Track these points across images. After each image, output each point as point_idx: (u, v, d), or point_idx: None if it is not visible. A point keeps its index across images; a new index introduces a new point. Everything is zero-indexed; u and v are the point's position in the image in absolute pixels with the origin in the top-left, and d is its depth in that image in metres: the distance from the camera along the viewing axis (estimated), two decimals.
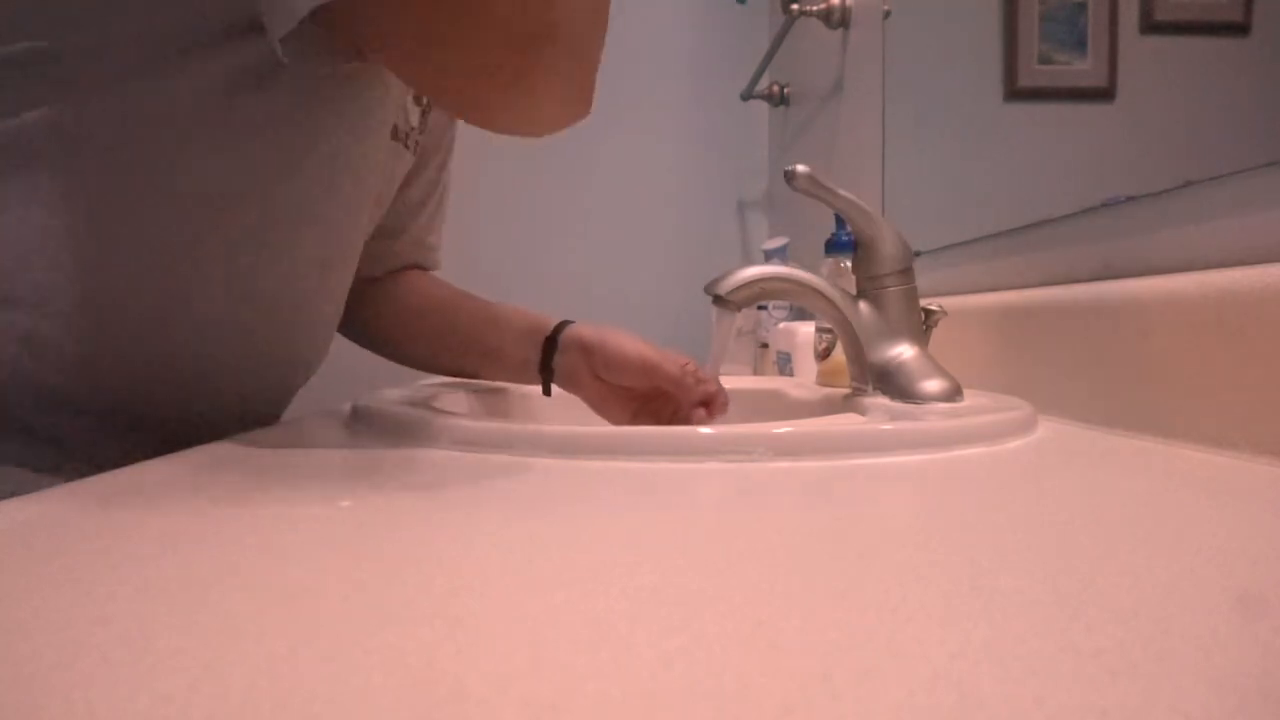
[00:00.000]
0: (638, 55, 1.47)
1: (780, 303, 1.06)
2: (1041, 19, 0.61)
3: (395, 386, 0.64)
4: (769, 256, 1.17)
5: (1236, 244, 0.39)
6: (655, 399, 0.65)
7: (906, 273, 0.52)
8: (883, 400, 0.48)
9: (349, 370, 0.75)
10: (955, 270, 0.71)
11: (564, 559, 0.22)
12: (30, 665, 0.14)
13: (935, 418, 0.42)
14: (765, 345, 1.09)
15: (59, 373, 0.44)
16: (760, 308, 1.11)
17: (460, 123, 0.74)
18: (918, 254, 0.56)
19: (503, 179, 1.42)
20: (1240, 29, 0.44)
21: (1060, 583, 0.19)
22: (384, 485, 0.33)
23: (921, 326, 0.52)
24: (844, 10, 1.08)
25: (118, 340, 0.45)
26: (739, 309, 0.53)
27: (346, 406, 0.55)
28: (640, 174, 1.50)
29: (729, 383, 0.68)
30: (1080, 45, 0.57)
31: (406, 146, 0.61)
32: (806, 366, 0.82)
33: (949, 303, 0.56)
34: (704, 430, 0.39)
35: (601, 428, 0.60)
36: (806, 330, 0.84)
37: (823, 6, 1.10)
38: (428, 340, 0.71)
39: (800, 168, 0.50)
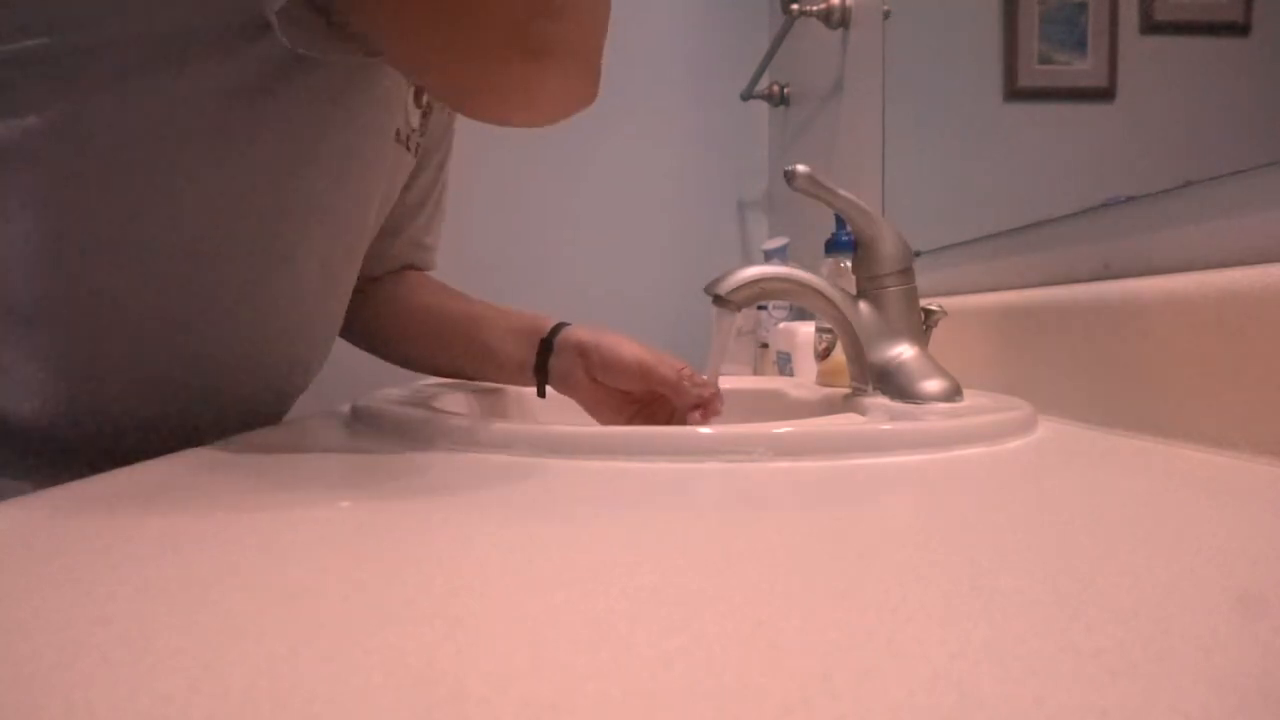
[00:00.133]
0: (638, 55, 1.47)
1: (780, 303, 1.06)
2: (1041, 19, 0.61)
3: (395, 386, 0.64)
4: (769, 256, 1.17)
5: (1236, 244, 0.39)
6: (651, 402, 0.65)
7: (906, 273, 0.52)
8: (883, 400, 0.48)
9: (349, 370, 0.75)
10: (955, 270, 0.71)
11: (564, 559, 0.22)
12: (30, 665, 0.14)
13: (935, 418, 0.42)
14: (765, 345, 1.09)
15: (59, 376, 0.44)
16: (760, 308, 1.11)
17: (459, 122, 0.74)
18: (918, 254, 0.56)
19: (502, 179, 1.42)
20: (1240, 29, 0.44)
21: (1060, 583, 0.19)
22: (384, 485, 0.33)
23: (921, 326, 0.52)
24: (844, 10, 1.08)
25: (119, 344, 0.45)
26: (739, 309, 0.53)
27: (346, 406, 0.55)
28: (640, 174, 1.50)
29: (729, 383, 0.68)
30: (1080, 45, 0.57)
31: (408, 149, 0.61)
32: (806, 366, 0.82)
33: (949, 303, 0.56)
34: (704, 430, 0.39)
35: (601, 428, 0.60)
36: (806, 330, 0.84)
37: (823, 6, 1.10)
38: (423, 341, 0.71)
39: (800, 168, 0.50)
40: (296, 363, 0.56)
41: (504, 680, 0.14)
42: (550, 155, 1.44)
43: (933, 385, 0.48)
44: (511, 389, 0.73)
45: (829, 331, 0.71)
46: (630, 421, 0.65)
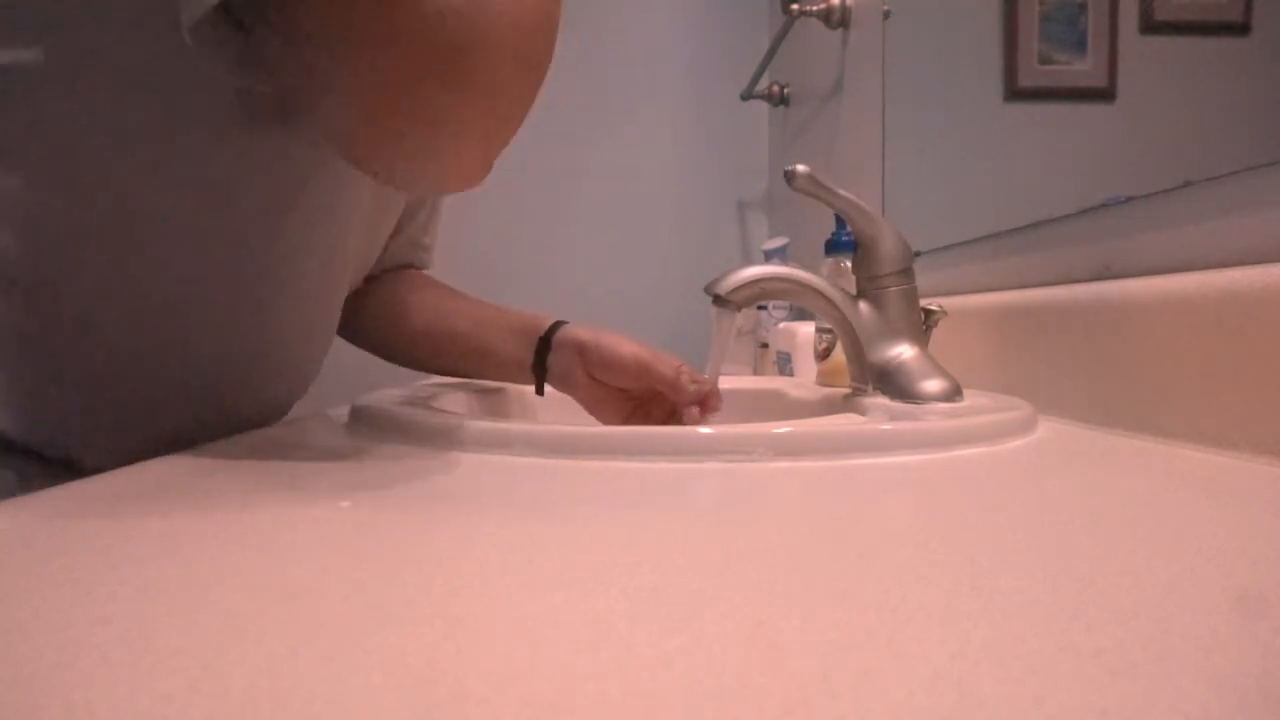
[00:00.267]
0: (638, 55, 1.47)
1: (780, 303, 1.06)
2: (1041, 19, 0.61)
3: (395, 386, 0.64)
4: (769, 256, 1.17)
5: (1236, 244, 0.39)
6: (649, 401, 0.65)
7: (906, 273, 0.52)
8: (883, 400, 0.48)
9: (349, 370, 0.75)
10: (955, 270, 0.71)
11: (564, 559, 0.22)
12: (30, 665, 0.14)
13: (935, 418, 0.42)
14: (765, 345, 1.09)
15: (53, 383, 0.44)
16: (760, 308, 1.11)
17: None
18: (918, 254, 0.56)
19: (501, 179, 1.42)
20: (1240, 29, 0.44)
21: (1060, 583, 0.19)
22: (384, 485, 0.33)
23: (921, 326, 0.52)
24: (844, 10, 1.08)
25: (114, 361, 0.45)
26: (739, 309, 0.53)
27: (346, 407, 0.55)
28: (640, 174, 1.50)
29: (729, 383, 0.68)
30: (1080, 45, 0.57)
31: None
32: (806, 366, 0.82)
33: (949, 303, 0.56)
34: (704, 430, 0.39)
35: (601, 428, 0.60)
36: (806, 330, 0.84)
37: (823, 6, 1.10)
38: (421, 340, 0.71)
39: (800, 168, 0.50)
40: (297, 371, 0.57)
41: (504, 680, 0.14)
42: (550, 155, 1.44)
43: (933, 385, 0.48)
44: (512, 388, 0.73)
45: (829, 331, 0.71)
46: (629, 419, 0.65)
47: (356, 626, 0.16)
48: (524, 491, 0.32)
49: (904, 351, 0.50)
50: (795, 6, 1.10)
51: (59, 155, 0.40)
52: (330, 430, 0.49)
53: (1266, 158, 0.38)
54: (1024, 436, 0.42)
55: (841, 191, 0.51)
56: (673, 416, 0.64)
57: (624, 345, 0.63)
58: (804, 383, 0.79)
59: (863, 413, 0.45)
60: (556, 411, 0.70)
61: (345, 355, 0.70)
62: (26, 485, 0.30)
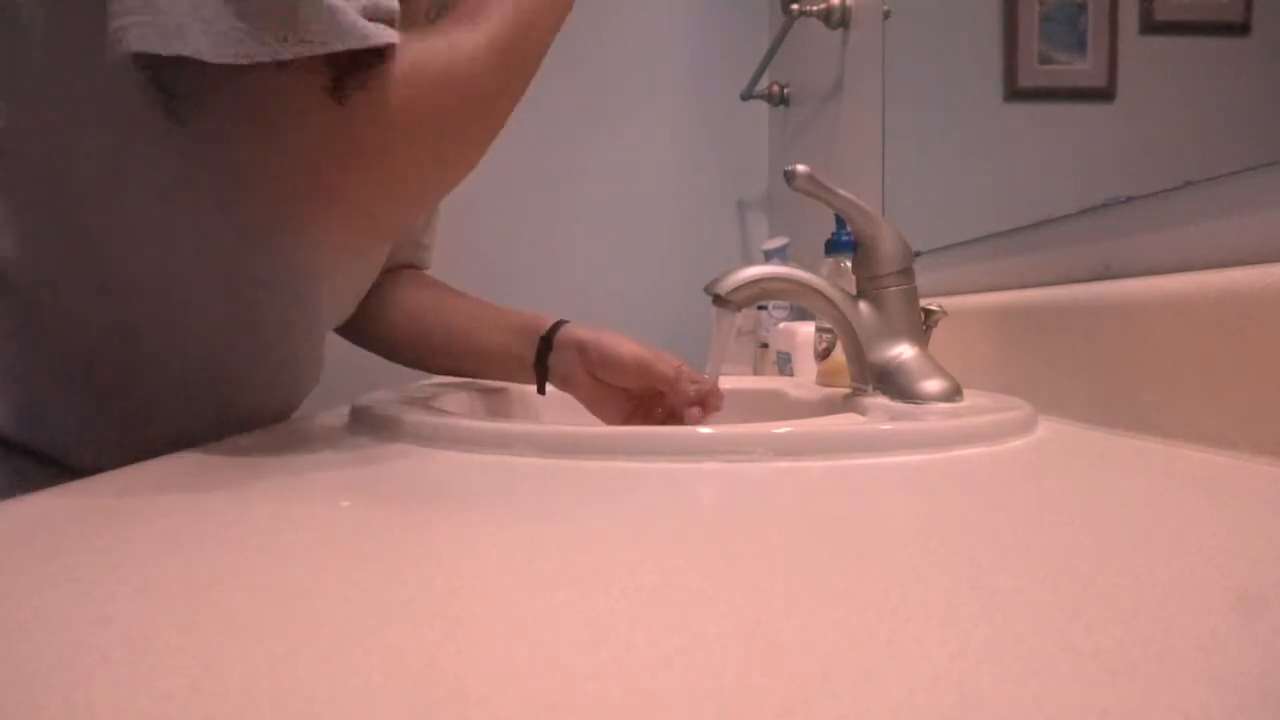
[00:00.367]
0: (637, 55, 1.47)
1: (780, 303, 1.06)
2: (1041, 19, 0.61)
3: (395, 386, 0.64)
4: (769, 256, 1.17)
5: (1236, 244, 0.39)
6: (649, 399, 0.65)
7: (906, 273, 0.52)
8: (883, 400, 0.48)
9: (349, 370, 0.75)
10: (955, 270, 0.71)
11: (564, 559, 0.22)
12: (30, 665, 0.14)
13: (935, 418, 0.42)
14: (765, 345, 1.09)
15: (53, 383, 0.44)
16: (760, 308, 1.11)
17: None
18: (918, 254, 0.56)
19: (501, 179, 1.42)
20: (1240, 29, 0.44)
21: (1060, 583, 0.19)
22: (384, 485, 0.33)
23: (921, 326, 0.52)
24: (844, 10, 1.08)
25: (118, 368, 0.45)
26: (739, 309, 0.53)
27: (346, 407, 0.55)
28: (640, 174, 1.50)
29: (729, 383, 0.68)
30: (1080, 45, 0.57)
31: None
32: (806, 366, 0.82)
33: (949, 303, 0.56)
34: (704, 430, 0.39)
35: (601, 428, 0.61)
36: (806, 330, 0.84)
37: (823, 6, 1.10)
38: (422, 339, 0.71)
39: (800, 168, 0.50)
40: (297, 379, 0.57)
41: (504, 680, 0.14)
42: (550, 155, 1.44)
43: (933, 385, 0.48)
44: (513, 388, 0.73)
45: (829, 331, 0.71)
46: (630, 419, 0.65)
47: (356, 626, 0.16)
48: (524, 491, 0.32)
49: (904, 351, 0.50)
50: (795, 6, 1.10)
51: (46, 180, 0.40)
52: (330, 430, 0.49)
53: (1266, 158, 0.38)
54: (1024, 436, 0.42)
55: (841, 191, 0.51)
56: (673, 416, 0.64)
57: (624, 345, 0.63)
58: (804, 383, 0.79)
59: (863, 413, 0.45)
60: (558, 411, 0.70)
61: (345, 355, 0.70)
62: (26, 485, 0.30)
